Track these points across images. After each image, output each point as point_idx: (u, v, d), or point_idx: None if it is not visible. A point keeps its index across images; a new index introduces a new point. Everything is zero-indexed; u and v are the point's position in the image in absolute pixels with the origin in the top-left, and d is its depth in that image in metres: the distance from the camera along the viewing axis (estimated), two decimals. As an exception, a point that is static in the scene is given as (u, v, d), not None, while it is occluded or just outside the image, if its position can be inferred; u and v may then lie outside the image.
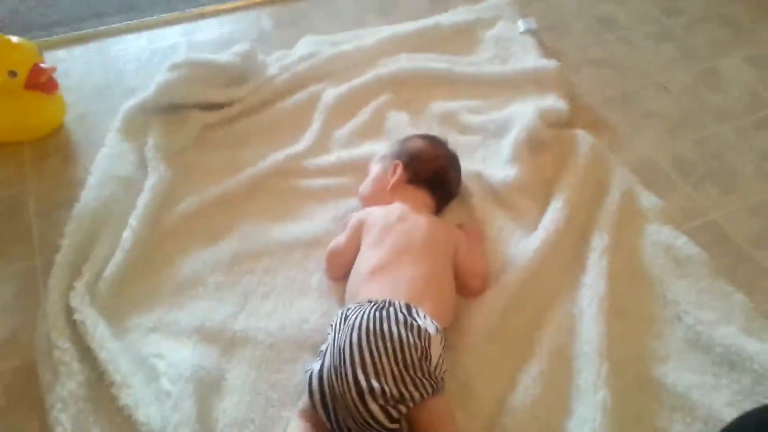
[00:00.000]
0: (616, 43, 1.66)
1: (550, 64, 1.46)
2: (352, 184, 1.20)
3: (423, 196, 1.11)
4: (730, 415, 0.85)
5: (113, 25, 1.62)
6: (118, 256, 1.03)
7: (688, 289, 1.05)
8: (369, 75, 1.43)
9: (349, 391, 0.79)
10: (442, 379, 0.85)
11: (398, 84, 1.43)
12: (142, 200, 1.11)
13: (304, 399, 0.83)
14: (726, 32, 1.72)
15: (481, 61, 1.53)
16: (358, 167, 1.23)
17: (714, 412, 0.88)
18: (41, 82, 1.26)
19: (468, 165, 1.22)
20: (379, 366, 0.80)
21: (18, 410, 0.85)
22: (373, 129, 1.33)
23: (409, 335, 0.82)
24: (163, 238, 1.09)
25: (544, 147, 1.28)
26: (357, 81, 1.41)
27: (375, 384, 0.79)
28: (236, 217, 1.14)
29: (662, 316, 1.02)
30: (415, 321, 0.85)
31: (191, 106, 1.31)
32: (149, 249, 1.07)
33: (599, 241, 1.10)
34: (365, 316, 0.84)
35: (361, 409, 0.79)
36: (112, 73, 1.48)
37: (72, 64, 1.50)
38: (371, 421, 0.80)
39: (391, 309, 0.85)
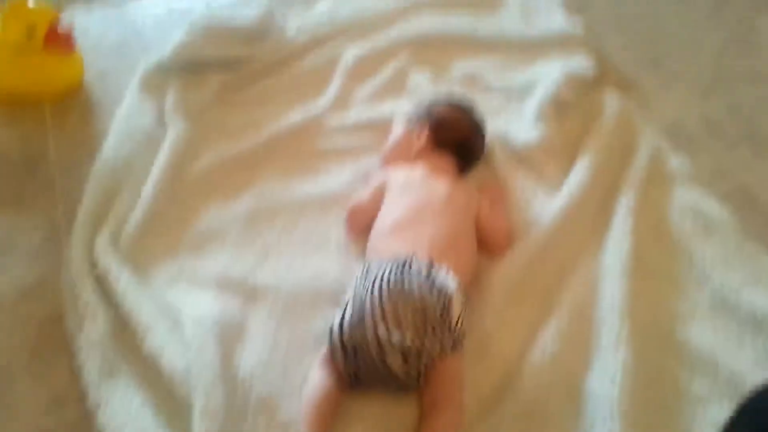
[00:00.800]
0: (647, 1, 1.60)
1: (575, 23, 1.43)
2: (372, 143, 1.20)
3: (447, 161, 1.11)
4: (753, 376, 0.84)
5: (132, -15, 1.61)
6: (139, 211, 1.03)
7: (715, 251, 1.03)
8: (390, 34, 1.41)
9: (369, 343, 0.80)
10: (462, 336, 0.85)
11: (420, 44, 1.41)
12: (162, 155, 1.11)
13: (325, 350, 0.84)
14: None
15: (504, 21, 1.50)
16: (379, 126, 1.22)
17: (736, 374, 0.87)
18: (59, 41, 1.26)
19: (491, 126, 1.20)
20: (400, 320, 0.80)
21: (47, 353, 0.88)
22: (394, 88, 1.31)
23: (431, 291, 0.83)
24: (182, 193, 1.09)
25: (570, 109, 1.26)
26: (378, 40, 1.40)
27: (395, 337, 0.79)
28: (255, 174, 1.13)
29: (688, 278, 1.01)
30: (437, 277, 0.85)
31: (210, 65, 1.31)
32: (169, 203, 1.07)
33: (625, 201, 1.08)
34: (387, 270, 0.84)
35: (380, 361, 0.80)
36: (131, 32, 1.48)
37: (90, 23, 1.49)
38: (389, 374, 0.80)
39: (414, 264, 0.86)
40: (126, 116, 1.22)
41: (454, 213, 0.99)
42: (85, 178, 1.09)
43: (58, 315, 0.91)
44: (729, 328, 0.94)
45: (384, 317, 0.80)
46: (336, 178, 1.14)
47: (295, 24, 1.43)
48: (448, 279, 0.86)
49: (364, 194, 1.06)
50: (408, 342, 0.79)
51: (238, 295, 0.94)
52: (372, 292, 0.82)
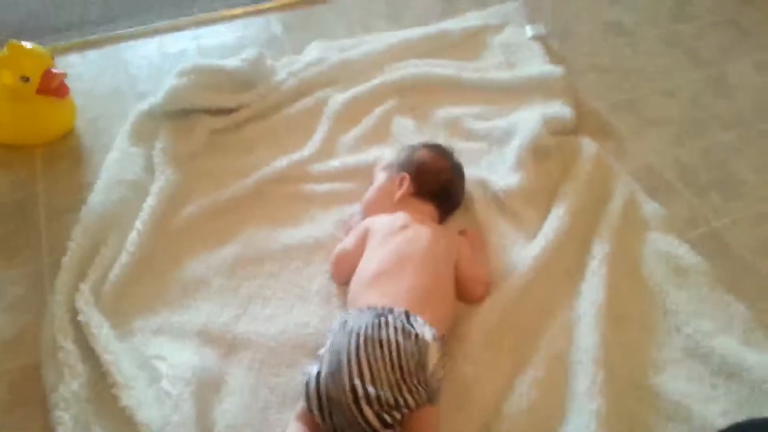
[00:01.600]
0: (624, 48, 1.65)
1: (555, 70, 1.46)
2: (357, 190, 1.21)
3: (428, 207, 1.12)
4: (725, 425, 0.85)
5: (125, 30, 1.65)
6: (123, 259, 1.04)
7: (688, 298, 1.04)
8: (375, 81, 1.43)
9: (345, 396, 0.81)
10: (438, 387, 0.86)
11: (405, 89, 1.43)
12: (149, 203, 1.13)
13: (302, 403, 0.85)
14: (734, 37, 1.70)
15: (488, 67, 1.53)
16: (363, 172, 1.23)
17: (709, 422, 0.88)
18: (53, 87, 1.28)
19: (473, 171, 1.22)
20: (375, 372, 0.81)
21: (22, 408, 0.87)
22: (378, 134, 1.33)
23: (407, 342, 0.84)
24: (168, 241, 1.10)
25: (548, 154, 1.27)
26: (363, 87, 1.42)
27: (371, 390, 0.80)
28: (241, 221, 1.15)
29: (661, 325, 1.02)
30: (413, 328, 0.86)
31: (199, 112, 1.33)
32: (154, 251, 1.08)
33: (600, 248, 1.09)
34: (364, 323, 0.85)
35: (356, 413, 0.81)
36: (123, 77, 1.50)
37: (84, 69, 1.52)
38: (366, 426, 0.81)
39: (390, 316, 0.86)
40: (115, 163, 1.23)
41: (435, 263, 0.99)
42: (72, 226, 1.10)
43: (33, 369, 0.91)
44: (701, 376, 0.95)
45: (360, 371, 0.81)
46: (320, 225, 1.15)
47: (285, 70, 1.45)
48: (425, 329, 0.88)
49: (348, 242, 1.07)
50: (384, 396, 0.81)
51: (219, 346, 0.95)
52: (349, 345, 0.84)
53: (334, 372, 0.82)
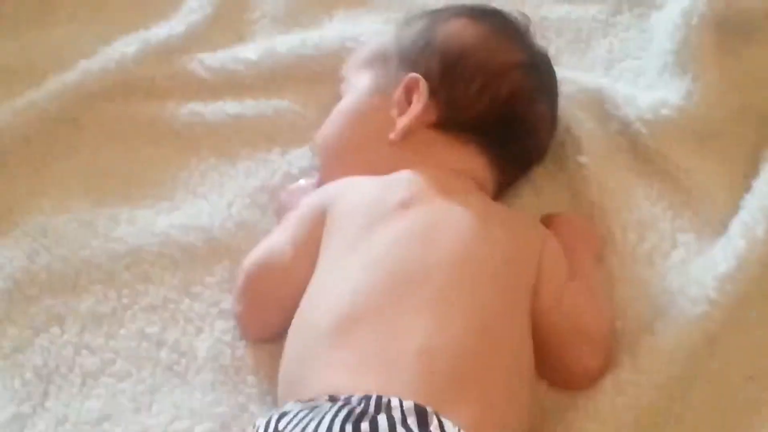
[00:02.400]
0: None
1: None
2: (299, 116, 0.72)
3: (469, 157, 0.65)
4: None
5: None
6: None
7: None
8: None
9: None
10: None
11: None
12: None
13: None
14: None
15: None
16: (315, 73, 0.73)
17: None
18: None
19: (574, 75, 0.72)
20: None
21: None
22: None
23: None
24: None
25: (748, 38, 0.76)
26: None
27: None
28: (36, 187, 0.69)
29: None
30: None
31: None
32: None
33: None
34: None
35: None
36: None
37: None
38: None
39: (382, 420, 0.49)
40: None
41: (485, 284, 0.58)
42: None
43: None
44: None
45: None
46: (212, 201, 0.67)
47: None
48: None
49: (280, 239, 0.62)
50: None
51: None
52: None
53: None
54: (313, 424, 0.47)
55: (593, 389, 0.56)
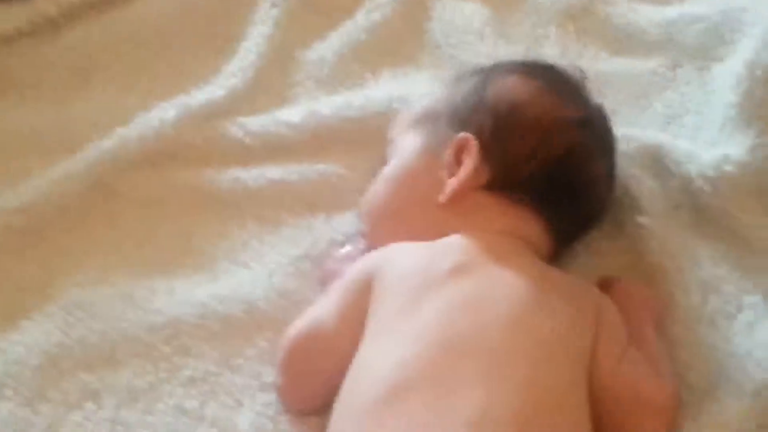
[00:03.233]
0: None
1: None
2: (343, 179, 0.70)
3: (522, 220, 0.63)
4: None
5: None
6: None
7: None
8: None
9: None
10: None
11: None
12: None
13: None
14: None
15: None
16: (359, 136, 0.71)
17: None
18: None
19: (631, 131, 0.69)
20: None
21: None
22: (392, 44, 0.81)
23: None
24: None
25: None
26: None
27: None
28: (72, 259, 0.67)
29: None
30: None
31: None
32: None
33: None
34: None
35: None
36: None
37: None
38: None
39: None
40: None
41: (538, 356, 0.56)
42: None
43: None
44: None
45: None
46: (255, 272, 0.65)
47: None
48: None
49: (326, 309, 0.60)
50: None
51: None
52: None
53: None
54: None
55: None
